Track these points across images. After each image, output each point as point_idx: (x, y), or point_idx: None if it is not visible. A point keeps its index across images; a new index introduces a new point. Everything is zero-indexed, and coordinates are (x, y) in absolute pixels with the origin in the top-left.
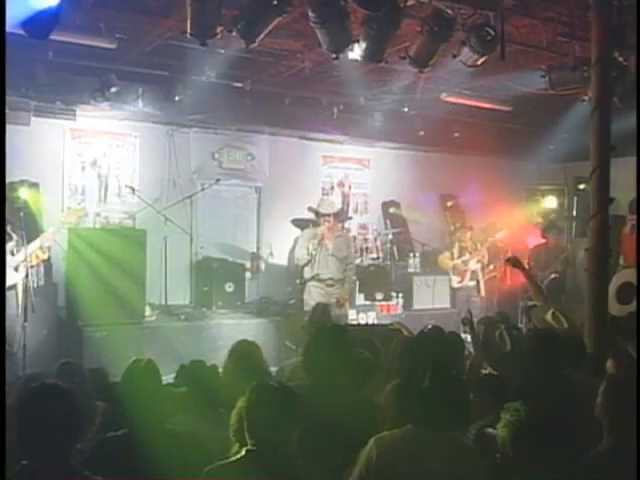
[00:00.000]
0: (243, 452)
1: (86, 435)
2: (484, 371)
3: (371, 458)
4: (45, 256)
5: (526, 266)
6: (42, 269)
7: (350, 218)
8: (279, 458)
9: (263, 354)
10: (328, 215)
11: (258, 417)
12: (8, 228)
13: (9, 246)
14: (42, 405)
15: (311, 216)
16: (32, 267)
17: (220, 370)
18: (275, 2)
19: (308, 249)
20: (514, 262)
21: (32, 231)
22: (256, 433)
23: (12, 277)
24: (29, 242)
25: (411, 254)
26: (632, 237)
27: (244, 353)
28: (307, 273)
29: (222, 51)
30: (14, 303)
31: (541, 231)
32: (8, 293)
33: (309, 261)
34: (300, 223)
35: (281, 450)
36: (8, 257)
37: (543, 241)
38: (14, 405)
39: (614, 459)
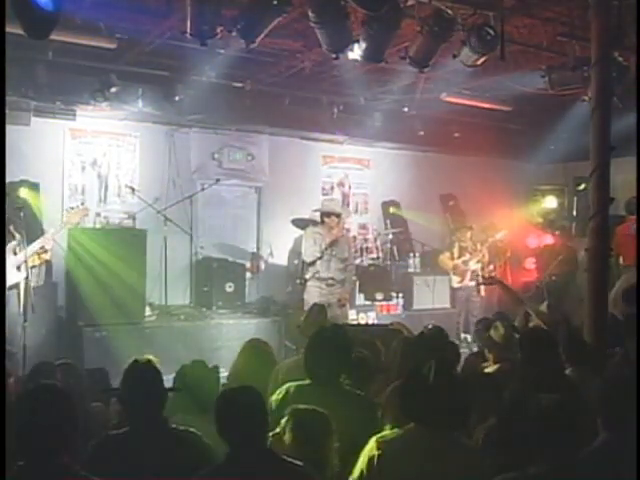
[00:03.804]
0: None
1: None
2: (484, 371)
3: (373, 457)
4: (48, 256)
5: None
6: (42, 269)
7: (349, 214)
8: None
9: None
10: (339, 215)
11: None
12: (11, 227)
13: (12, 245)
14: (37, 405)
15: (313, 216)
16: (34, 267)
17: (221, 369)
18: (275, 2)
19: (321, 246)
20: (489, 282)
21: (32, 231)
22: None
23: (15, 276)
24: (29, 242)
25: (411, 254)
26: (633, 238)
27: (256, 351)
28: (308, 272)
29: (222, 51)
30: (15, 303)
31: (552, 232)
32: (9, 292)
33: (319, 258)
34: (300, 223)
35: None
36: (11, 256)
37: (551, 242)
38: (13, 405)
39: (608, 456)
